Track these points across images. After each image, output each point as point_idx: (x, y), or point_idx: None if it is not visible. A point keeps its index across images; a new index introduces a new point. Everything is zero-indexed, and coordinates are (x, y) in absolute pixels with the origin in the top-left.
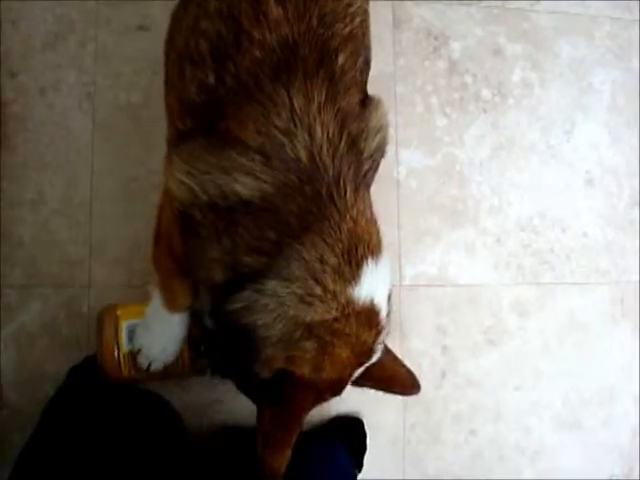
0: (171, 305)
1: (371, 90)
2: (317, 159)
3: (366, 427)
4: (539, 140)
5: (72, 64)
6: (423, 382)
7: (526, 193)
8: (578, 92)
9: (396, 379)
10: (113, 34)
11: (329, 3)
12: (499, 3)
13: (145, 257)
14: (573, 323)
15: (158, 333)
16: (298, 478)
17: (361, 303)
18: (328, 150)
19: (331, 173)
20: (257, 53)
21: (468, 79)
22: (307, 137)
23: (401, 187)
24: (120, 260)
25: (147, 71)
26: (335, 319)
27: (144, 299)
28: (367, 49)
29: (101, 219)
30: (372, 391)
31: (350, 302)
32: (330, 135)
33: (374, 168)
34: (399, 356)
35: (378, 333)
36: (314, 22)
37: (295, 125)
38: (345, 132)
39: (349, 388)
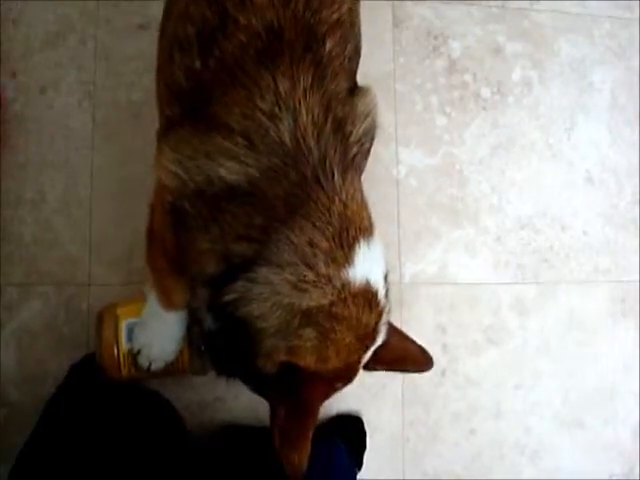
0: (168, 304)
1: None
2: (302, 142)
3: (366, 425)
4: (539, 139)
5: (72, 63)
6: (422, 381)
7: (526, 192)
8: (578, 91)
9: (408, 358)
10: (113, 33)
11: None
12: (499, 2)
13: (144, 256)
14: (573, 322)
15: (157, 333)
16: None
17: (357, 285)
18: (313, 133)
19: (316, 156)
20: (242, 38)
21: (468, 78)
22: (292, 120)
23: (401, 186)
24: (120, 259)
25: (147, 70)
26: (332, 303)
27: (144, 297)
28: (356, 37)
29: (101, 218)
30: (371, 390)
31: (346, 285)
32: (315, 118)
33: (363, 153)
34: None
35: (379, 314)
36: (300, 7)
37: (280, 108)
38: (330, 116)
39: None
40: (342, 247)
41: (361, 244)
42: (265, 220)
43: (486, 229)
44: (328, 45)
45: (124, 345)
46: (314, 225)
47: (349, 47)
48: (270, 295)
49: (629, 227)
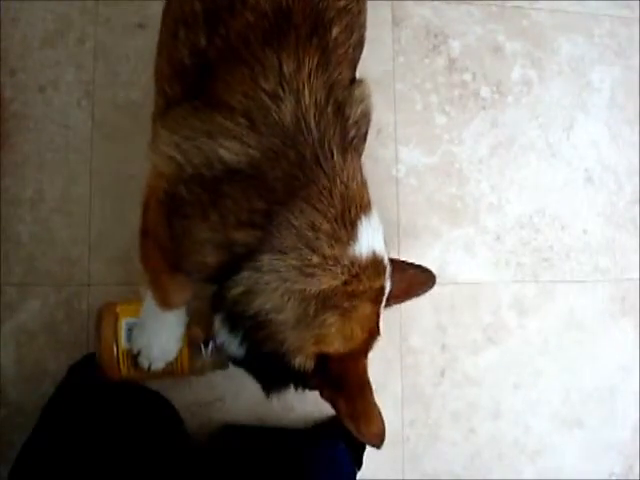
0: (164, 303)
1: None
2: (302, 123)
3: None
4: (538, 138)
5: (71, 62)
6: (422, 380)
7: (525, 191)
8: (578, 90)
9: (414, 284)
10: (112, 32)
11: None
12: (498, 2)
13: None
14: (573, 321)
15: (156, 333)
16: (300, 478)
17: (364, 259)
18: (314, 115)
19: (316, 136)
20: (250, 17)
21: (467, 77)
22: (294, 101)
23: (400, 185)
24: (119, 258)
25: (146, 69)
26: (345, 282)
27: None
28: (362, 27)
29: (100, 217)
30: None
31: (355, 262)
32: (318, 101)
33: (360, 136)
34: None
35: (385, 272)
36: None
37: (283, 89)
38: (332, 99)
39: None
40: (345, 227)
41: (362, 220)
42: (266, 204)
43: (486, 228)
44: (334, 31)
45: (123, 345)
46: (315, 207)
47: (354, 36)
48: (279, 284)
49: (629, 226)
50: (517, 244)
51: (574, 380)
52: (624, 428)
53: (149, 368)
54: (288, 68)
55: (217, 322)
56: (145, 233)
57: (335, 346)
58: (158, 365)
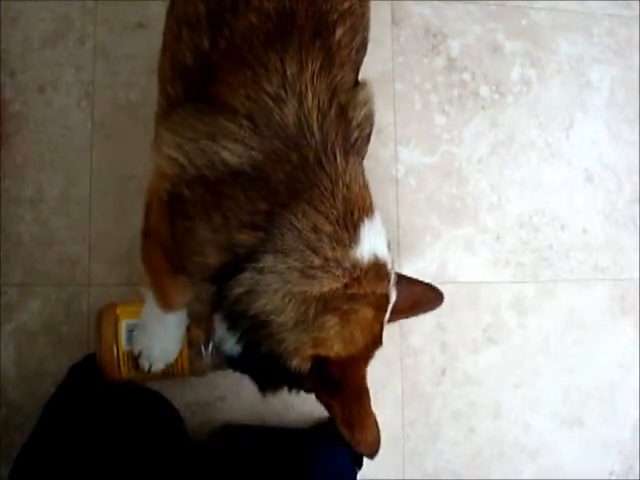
0: (166, 305)
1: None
2: (305, 126)
3: None
4: (538, 137)
5: (71, 62)
6: (422, 379)
7: (525, 190)
8: (577, 89)
9: (420, 300)
10: (112, 32)
11: None
12: (498, 1)
13: (140, 256)
14: (573, 320)
15: (156, 334)
16: (300, 478)
17: (366, 262)
18: (317, 117)
19: (318, 138)
20: (253, 19)
21: (467, 76)
22: (297, 104)
23: (400, 185)
24: (119, 258)
25: (146, 69)
26: (346, 285)
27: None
28: (365, 30)
29: (100, 217)
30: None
31: (356, 265)
32: (321, 103)
33: (363, 138)
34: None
35: (390, 279)
36: None
37: (286, 91)
38: (335, 101)
39: None
40: (347, 229)
41: (365, 223)
42: (269, 206)
43: (485, 228)
44: (338, 33)
45: (124, 346)
46: (317, 210)
47: (358, 38)
48: (280, 285)
49: (628, 225)
50: (517, 243)
51: (574, 379)
52: (624, 427)
53: (149, 369)
54: (291, 70)
55: (216, 319)
56: (147, 233)
57: (335, 350)
58: (158, 366)
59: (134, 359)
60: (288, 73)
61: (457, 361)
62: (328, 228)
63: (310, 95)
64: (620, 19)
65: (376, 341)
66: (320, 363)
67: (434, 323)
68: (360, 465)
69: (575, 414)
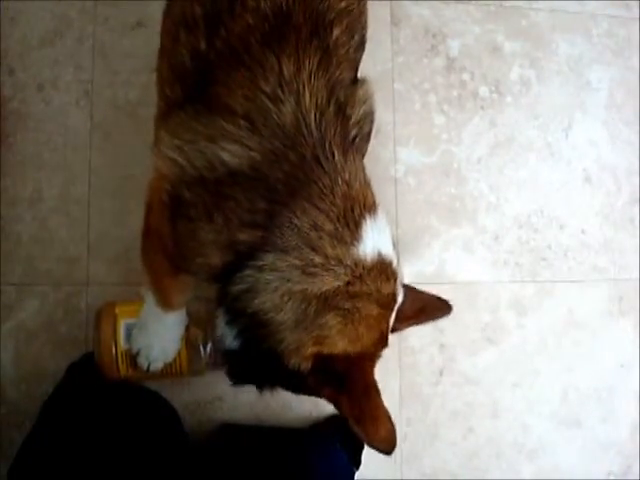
0: (165, 304)
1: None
2: (302, 124)
3: None
4: (537, 138)
5: (70, 61)
6: (420, 379)
7: (524, 191)
8: (576, 90)
9: (427, 307)
10: (111, 31)
11: None
12: (497, 2)
13: (140, 256)
14: (571, 320)
15: (156, 333)
16: (298, 478)
17: (369, 260)
18: (315, 115)
19: (316, 137)
20: (250, 19)
21: (466, 77)
22: (294, 103)
23: (399, 185)
24: (118, 258)
25: (145, 68)
26: (348, 283)
27: (142, 298)
28: (363, 29)
29: (99, 217)
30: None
31: (358, 262)
32: (319, 101)
33: (363, 136)
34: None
35: (396, 279)
36: None
37: (283, 91)
38: (333, 99)
39: None
40: (348, 226)
41: (367, 220)
42: (268, 205)
43: (484, 228)
44: (335, 32)
45: (122, 345)
46: (317, 207)
47: (355, 37)
48: (280, 284)
49: (627, 226)
50: (515, 244)
51: (572, 379)
52: (622, 428)
53: (148, 368)
54: (288, 70)
55: (218, 315)
56: (147, 233)
57: (339, 347)
58: (157, 365)
59: (133, 358)
60: (285, 72)
61: (455, 361)
62: (329, 226)
63: (308, 94)
64: (619, 20)
65: (383, 338)
66: (323, 361)
67: (432, 323)
68: (358, 465)
69: (573, 414)
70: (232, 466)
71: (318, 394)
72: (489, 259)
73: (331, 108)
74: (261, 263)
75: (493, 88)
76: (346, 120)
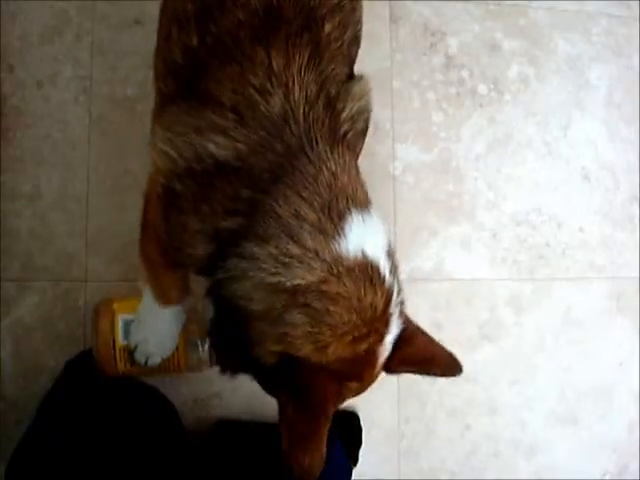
0: (163, 299)
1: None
2: (290, 117)
3: (361, 422)
4: (535, 136)
5: (69, 58)
6: (418, 377)
7: (522, 188)
8: (575, 88)
9: (435, 360)
10: (109, 28)
11: None
12: (496, 0)
13: (138, 249)
14: (569, 318)
15: (153, 329)
16: None
17: (351, 258)
18: (304, 108)
19: (302, 128)
20: (240, 15)
21: (465, 74)
22: (282, 96)
23: (397, 182)
24: (116, 254)
25: (143, 65)
26: (322, 281)
27: (140, 294)
28: (357, 24)
29: (97, 213)
30: None
31: (337, 259)
32: (308, 95)
33: (356, 132)
34: None
35: (387, 294)
36: None
37: (272, 84)
38: (323, 93)
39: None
40: (331, 218)
41: (353, 215)
42: (251, 192)
43: (482, 225)
44: (327, 27)
45: (120, 341)
46: (300, 195)
47: (349, 32)
48: (255, 272)
49: (625, 224)
50: (514, 241)
51: (570, 378)
52: (619, 426)
53: (146, 364)
54: (277, 63)
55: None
56: (145, 227)
57: (303, 350)
58: (155, 361)
59: (130, 354)
60: (274, 66)
61: None
62: (312, 216)
63: (297, 87)
64: (618, 19)
65: (360, 367)
66: (289, 362)
67: (430, 320)
68: (355, 462)
69: (571, 413)
70: (229, 462)
71: (277, 395)
72: (487, 257)
73: (320, 102)
74: (241, 250)
75: (492, 86)
76: (336, 114)
